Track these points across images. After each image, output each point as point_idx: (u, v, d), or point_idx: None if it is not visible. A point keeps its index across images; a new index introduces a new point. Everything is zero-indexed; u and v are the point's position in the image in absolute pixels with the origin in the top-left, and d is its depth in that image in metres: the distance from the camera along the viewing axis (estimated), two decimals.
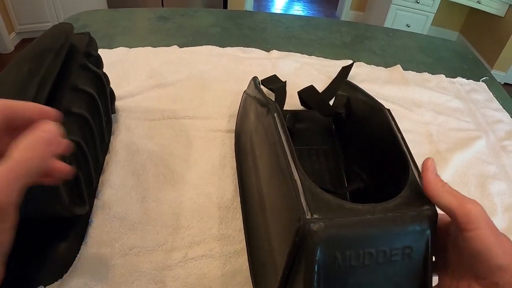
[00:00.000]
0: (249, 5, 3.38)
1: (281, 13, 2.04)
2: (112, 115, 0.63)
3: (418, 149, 0.69)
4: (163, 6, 2.63)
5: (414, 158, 0.38)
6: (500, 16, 2.86)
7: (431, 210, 0.33)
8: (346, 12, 3.53)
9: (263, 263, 0.40)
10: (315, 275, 0.30)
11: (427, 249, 0.32)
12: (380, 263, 0.31)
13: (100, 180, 0.54)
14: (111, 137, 0.61)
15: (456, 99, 0.86)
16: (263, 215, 0.42)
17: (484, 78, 0.98)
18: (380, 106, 0.47)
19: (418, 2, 2.80)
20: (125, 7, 2.76)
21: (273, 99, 0.59)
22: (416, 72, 0.93)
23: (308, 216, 0.30)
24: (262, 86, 0.63)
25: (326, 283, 0.30)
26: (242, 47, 0.91)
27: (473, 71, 1.01)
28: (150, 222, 0.50)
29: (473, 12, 3.14)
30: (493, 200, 0.62)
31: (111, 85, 0.63)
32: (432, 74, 0.94)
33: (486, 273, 0.31)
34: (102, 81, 0.57)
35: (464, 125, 0.78)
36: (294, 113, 0.63)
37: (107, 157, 0.58)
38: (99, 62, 0.58)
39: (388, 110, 0.46)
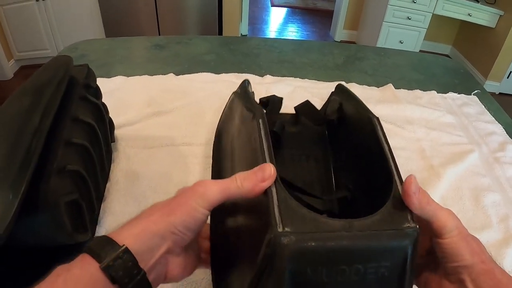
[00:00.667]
0: (244, 29, 3.45)
1: (274, 38, 2.09)
2: (112, 144, 0.65)
3: (411, 165, 0.71)
4: (159, 34, 2.68)
5: (400, 171, 0.38)
6: (491, 28, 2.92)
7: (411, 228, 0.32)
8: (340, 32, 3.60)
9: (229, 271, 0.38)
10: (286, 285, 0.29)
11: (404, 268, 0.32)
12: (353, 281, 0.31)
13: (101, 207, 0.56)
14: (112, 165, 0.63)
15: (448, 114, 0.87)
16: (234, 222, 0.40)
17: (476, 91, 0.99)
18: (369, 114, 0.46)
19: (409, 19, 2.86)
20: (122, 35, 2.82)
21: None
22: (408, 89, 0.95)
23: (280, 229, 0.29)
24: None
25: None
26: (236, 73, 0.93)
27: (465, 85, 1.03)
28: None
29: (465, 25, 3.20)
30: (487, 212, 0.63)
31: (110, 114, 0.65)
32: (424, 90, 0.96)
33: (454, 271, 0.35)
34: (101, 112, 0.59)
35: (457, 139, 0.80)
36: (287, 117, 0.61)
37: (108, 185, 0.59)
38: (98, 92, 0.60)
39: (377, 118, 0.45)
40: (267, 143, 0.38)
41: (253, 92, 0.58)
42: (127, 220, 0.31)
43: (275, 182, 0.33)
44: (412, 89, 0.96)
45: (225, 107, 0.62)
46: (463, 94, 0.97)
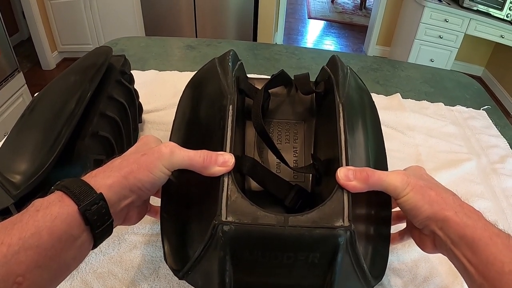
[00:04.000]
0: (279, 39, 3.54)
1: (296, 46, 2.14)
2: (139, 124, 0.75)
3: (403, 166, 0.73)
4: (196, 36, 2.79)
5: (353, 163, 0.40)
6: None
7: (343, 228, 0.35)
8: (373, 47, 3.62)
9: (180, 229, 0.42)
10: (226, 263, 0.36)
11: (334, 259, 0.36)
12: (285, 263, 0.36)
13: None
14: None
15: (452, 125, 0.89)
16: (190, 189, 0.43)
17: (486, 106, 1.00)
18: (337, 99, 0.47)
19: (441, 37, 2.86)
20: (161, 34, 2.93)
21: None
22: (416, 100, 0.98)
23: (223, 218, 0.35)
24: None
25: (235, 267, 0.36)
26: (255, 75, 1.00)
27: (476, 101, 1.03)
28: None
29: (499, 47, 3.15)
30: None
31: (142, 101, 0.76)
32: (432, 102, 0.97)
33: (422, 224, 0.38)
34: (132, 95, 0.69)
35: (456, 148, 0.81)
36: (272, 83, 0.58)
37: None
38: (131, 79, 0.71)
39: (342, 104, 0.46)
40: (231, 133, 0.42)
41: (241, 61, 0.57)
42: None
43: (232, 179, 0.37)
44: (420, 100, 0.98)
45: (204, 66, 0.61)
46: (471, 108, 0.97)
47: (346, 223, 0.35)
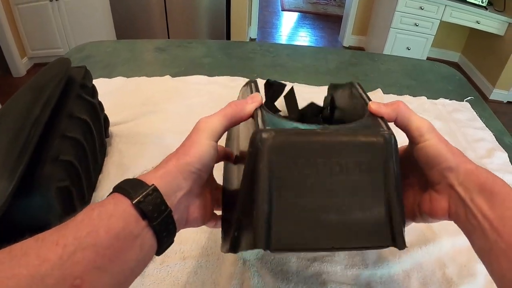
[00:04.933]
0: (253, 33, 3.50)
1: (270, 43, 2.12)
2: (107, 139, 0.69)
3: None
4: (168, 36, 2.74)
5: None
6: (500, 36, 2.91)
7: (386, 131, 0.33)
8: (348, 37, 3.62)
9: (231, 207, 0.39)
10: (271, 178, 0.32)
11: (387, 166, 0.33)
12: (334, 173, 0.32)
13: (93, 196, 0.60)
14: (105, 159, 0.67)
15: (436, 120, 0.87)
16: (237, 171, 0.40)
17: (469, 98, 0.99)
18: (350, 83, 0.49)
19: (417, 25, 2.87)
20: (132, 36, 2.86)
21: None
22: (398, 95, 0.96)
23: (261, 127, 0.33)
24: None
25: (281, 187, 0.32)
26: (229, 76, 0.97)
27: (458, 92, 1.02)
28: None
29: (474, 33, 3.19)
30: None
31: (108, 112, 0.70)
32: (415, 96, 0.96)
33: (440, 176, 0.35)
34: (96, 109, 0.63)
35: None
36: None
37: (100, 176, 0.64)
38: (94, 92, 0.65)
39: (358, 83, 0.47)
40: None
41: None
42: None
43: (261, 109, 0.37)
44: (402, 95, 0.96)
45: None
46: (454, 100, 0.97)
47: (387, 129, 0.34)
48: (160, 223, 0.31)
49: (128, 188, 0.30)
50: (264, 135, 0.32)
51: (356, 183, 0.33)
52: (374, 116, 0.37)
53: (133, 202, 0.29)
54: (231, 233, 0.35)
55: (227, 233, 0.38)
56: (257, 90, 0.43)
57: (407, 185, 0.41)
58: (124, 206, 0.29)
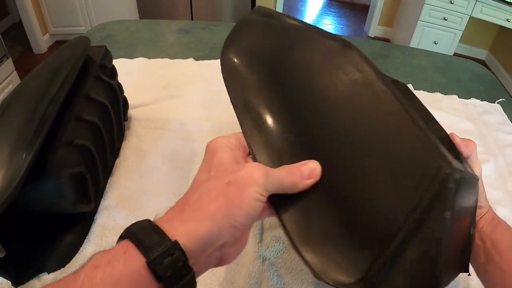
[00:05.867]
0: None
1: None
2: (125, 123, 0.67)
3: None
4: (192, 18, 2.69)
5: None
6: None
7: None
8: (374, 28, 3.52)
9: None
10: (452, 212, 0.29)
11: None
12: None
13: (108, 182, 0.58)
14: (123, 143, 0.65)
15: (467, 121, 0.84)
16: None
17: (501, 100, 0.95)
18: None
19: (446, 20, 2.77)
20: (155, 17, 2.83)
21: None
22: (429, 92, 0.93)
23: (455, 166, 0.28)
24: None
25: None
26: None
27: (490, 93, 0.99)
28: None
29: (503, 31, 3.06)
30: None
31: (128, 94, 0.68)
32: (446, 94, 0.93)
33: None
34: (115, 91, 0.61)
35: None
36: None
37: (117, 161, 0.62)
38: (113, 73, 0.63)
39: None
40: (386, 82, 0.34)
41: None
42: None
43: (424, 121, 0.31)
44: (433, 92, 0.93)
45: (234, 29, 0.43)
46: (486, 102, 0.93)
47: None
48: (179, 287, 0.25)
49: (144, 238, 0.25)
50: (457, 175, 0.28)
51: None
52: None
53: (148, 262, 0.24)
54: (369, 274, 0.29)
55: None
56: None
57: None
58: (136, 267, 0.24)
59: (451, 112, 0.86)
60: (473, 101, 0.93)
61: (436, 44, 2.89)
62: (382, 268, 0.28)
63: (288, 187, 0.31)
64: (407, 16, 3.09)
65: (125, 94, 0.67)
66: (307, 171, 0.31)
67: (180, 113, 0.73)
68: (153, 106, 0.74)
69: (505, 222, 0.43)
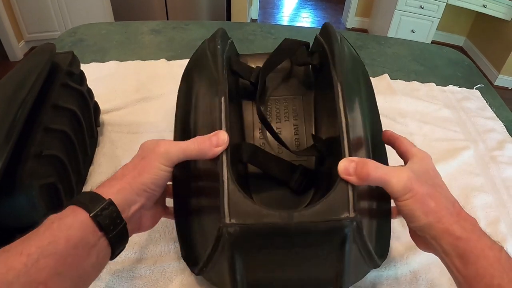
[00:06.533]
0: (254, 14, 3.41)
1: (271, 24, 2.05)
2: (98, 128, 0.65)
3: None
4: (167, 18, 2.67)
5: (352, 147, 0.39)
6: (506, 20, 2.83)
7: (349, 219, 0.35)
8: (351, 19, 3.54)
9: (192, 225, 0.43)
10: (235, 262, 0.36)
11: (342, 252, 0.36)
12: (294, 259, 0.38)
13: (82, 190, 0.56)
14: (96, 149, 0.63)
15: (445, 108, 0.84)
16: (193, 187, 0.44)
17: (479, 85, 0.95)
18: (333, 78, 0.44)
19: (422, 8, 2.80)
20: (131, 18, 2.79)
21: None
22: (406, 81, 0.93)
23: (227, 221, 0.35)
24: None
25: (246, 265, 0.37)
26: None
27: (468, 79, 0.99)
28: None
29: (480, 17, 3.11)
30: (476, 214, 0.60)
31: (100, 99, 0.66)
32: (423, 82, 0.92)
33: (417, 230, 0.38)
34: (84, 97, 0.59)
35: (452, 135, 0.77)
36: (270, 62, 0.54)
37: (90, 168, 0.60)
38: (82, 79, 0.61)
39: (340, 83, 0.43)
40: (225, 122, 0.41)
41: (231, 40, 0.54)
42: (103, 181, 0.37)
43: (231, 178, 0.37)
44: (410, 81, 0.93)
45: (195, 51, 0.57)
46: (464, 88, 0.93)
47: (352, 214, 0.35)
48: (115, 234, 0.34)
49: (86, 201, 0.33)
50: (230, 230, 0.35)
51: (311, 265, 0.39)
52: (344, 183, 0.37)
53: (91, 215, 0.32)
54: (196, 259, 0.41)
55: (187, 244, 0.44)
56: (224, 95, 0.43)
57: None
58: (82, 218, 0.32)
59: (429, 100, 0.86)
60: (451, 88, 0.93)
61: (413, 32, 2.92)
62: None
63: (195, 154, 0.38)
64: (384, 5, 3.12)
65: (97, 99, 0.66)
66: (215, 141, 0.38)
67: (153, 116, 0.72)
68: (126, 110, 0.72)
69: (489, 241, 0.35)
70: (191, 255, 0.43)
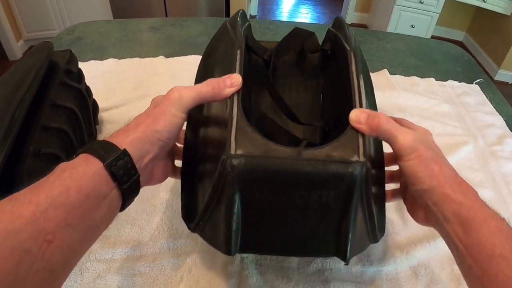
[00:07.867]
0: (253, 10, 3.40)
1: (270, 20, 2.05)
2: (96, 126, 0.65)
3: None
4: (166, 15, 2.66)
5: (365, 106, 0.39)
6: (506, 15, 2.82)
7: (359, 163, 0.33)
8: (351, 14, 3.52)
9: (195, 181, 0.42)
10: (234, 204, 0.34)
11: (350, 199, 0.35)
12: (296, 204, 0.35)
13: None
14: None
15: (445, 103, 0.84)
16: (203, 137, 0.43)
17: (479, 80, 0.95)
18: (345, 48, 0.46)
19: (422, 3, 2.78)
20: (129, 16, 2.79)
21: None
22: (405, 76, 0.92)
23: (232, 152, 0.33)
24: None
25: (244, 210, 0.35)
26: None
27: (468, 74, 0.99)
28: (127, 223, 0.53)
29: (480, 12, 3.10)
30: None
31: (98, 97, 0.66)
32: (422, 77, 0.92)
33: (417, 194, 0.37)
34: (83, 95, 0.59)
35: (451, 130, 0.77)
36: (283, 45, 0.57)
37: None
38: (80, 77, 0.61)
39: (354, 52, 0.44)
40: (239, 68, 0.40)
41: (249, 22, 0.55)
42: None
43: (241, 112, 0.36)
44: (409, 76, 0.92)
45: (216, 32, 0.58)
46: (463, 83, 0.93)
47: (362, 159, 0.34)
48: (129, 186, 0.33)
49: (100, 150, 0.31)
50: (234, 161, 0.33)
51: (315, 212, 0.36)
52: (354, 131, 0.36)
53: (105, 165, 0.31)
54: (196, 215, 0.39)
55: (189, 201, 0.42)
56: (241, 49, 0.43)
57: (393, 177, 0.45)
58: (96, 168, 0.30)
59: (429, 95, 0.86)
60: (451, 83, 0.93)
61: (413, 27, 2.91)
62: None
63: (209, 95, 0.37)
64: (383, 1, 3.10)
65: (95, 97, 0.66)
66: (229, 82, 0.38)
67: None
68: (125, 107, 0.72)
69: (491, 211, 0.34)
70: (190, 211, 0.41)
